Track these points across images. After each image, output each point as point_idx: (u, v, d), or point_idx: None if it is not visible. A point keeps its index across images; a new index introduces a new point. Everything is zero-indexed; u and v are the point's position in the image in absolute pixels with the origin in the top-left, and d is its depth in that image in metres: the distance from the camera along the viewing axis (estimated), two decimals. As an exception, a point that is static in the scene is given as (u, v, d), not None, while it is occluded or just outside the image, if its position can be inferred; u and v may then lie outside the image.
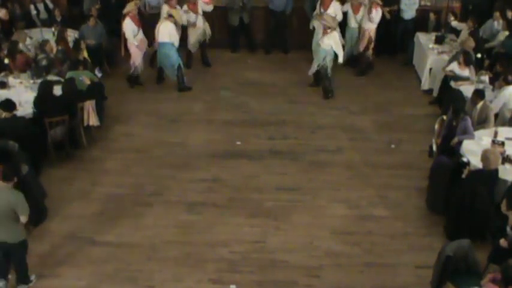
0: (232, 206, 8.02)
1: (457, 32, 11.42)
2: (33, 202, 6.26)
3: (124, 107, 10.49)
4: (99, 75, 10.44)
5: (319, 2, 11.26)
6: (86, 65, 9.71)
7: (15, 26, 11.42)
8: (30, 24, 11.82)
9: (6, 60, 9.78)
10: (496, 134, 7.97)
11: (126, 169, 8.80)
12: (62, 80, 9.32)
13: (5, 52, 9.91)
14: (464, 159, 7.55)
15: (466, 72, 9.53)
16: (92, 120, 9.19)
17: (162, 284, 6.72)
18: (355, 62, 11.88)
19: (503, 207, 6.32)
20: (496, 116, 8.73)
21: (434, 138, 8.66)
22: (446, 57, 10.60)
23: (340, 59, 10.70)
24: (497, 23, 10.99)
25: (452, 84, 9.62)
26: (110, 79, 11.15)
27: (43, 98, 8.55)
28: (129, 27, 10.59)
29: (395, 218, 7.83)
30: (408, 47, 12.04)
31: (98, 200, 8.11)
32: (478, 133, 8.09)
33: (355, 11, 11.38)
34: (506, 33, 10.61)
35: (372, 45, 11.60)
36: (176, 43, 10.76)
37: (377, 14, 11.22)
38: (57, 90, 8.84)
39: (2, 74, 9.62)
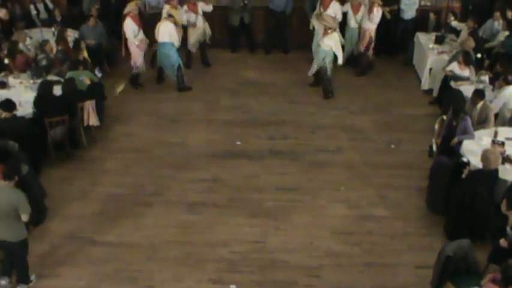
0: (232, 206, 8.02)
1: (457, 32, 11.42)
2: (33, 202, 6.25)
3: (124, 107, 10.50)
4: (99, 75, 10.43)
5: (319, 2, 11.26)
6: (86, 65, 9.71)
7: (15, 26, 11.42)
8: (30, 24, 11.82)
9: (6, 60, 9.78)
10: (496, 134, 7.97)
11: (126, 169, 8.80)
12: (62, 80, 9.32)
13: (5, 52, 9.92)
14: (464, 159, 7.55)
15: (466, 72, 9.53)
16: (92, 120, 9.19)
17: (162, 284, 6.72)
18: (355, 62, 11.89)
19: (503, 207, 6.32)
20: (496, 116, 8.73)
21: (434, 138, 8.66)
22: (446, 57, 10.61)
23: (340, 61, 10.69)
24: (497, 23, 10.99)
25: (452, 84, 9.62)
26: (110, 79, 11.16)
27: (43, 98, 8.55)
28: (130, 27, 10.59)
29: (395, 218, 7.83)
30: (408, 47, 12.04)
31: (98, 200, 8.11)
32: (478, 133, 8.09)
33: (355, 11, 11.38)
34: (506, 33, 10.61)
35: (372, 45, 11.61)
36: (176, 43, 10.77)
37: (377, 14, 11.23)
38: (57, 90, 8.84)
39: (2, 74, 9.62)
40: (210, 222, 7.70)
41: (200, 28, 11.55)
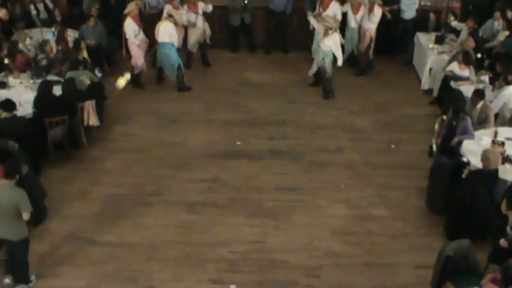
0: (232, 206, 8.02)
1: (457, 32, 11.42)
2: (33, 202, 6.25)
3: (124, 107, 10.50)
4: (99, 75, 10.44)
5: (318, 2, 11.27)
6: (86, 65, 9.71)
7: (15, 26, 11.43)
8: (30, 24, 11.82)
9: (6, 60, 9.78)
10: (496, 134, 7.97)
11: (126, 169, 8.80)
12: (62, 80, 9.32)
13: (5, 52, 9.91)
14: (464, 159, 7.55)
15: (466, 72, 9.53)
16: (92, 120, 9.19)
17: (162, 284, 6.73)
18: (355, 62, 11.89)
19: (503, 207, 6.32)
20: (496, 116, 8.73)
21: (434, 138, 8.66)
22: (446, 57, 10.61)
23: (340, 62, 10.67)
24: (497, 23, 10.99)
25: (452, 84, 9.62)
26: (110, 79, 11.17)
27: (43, 98, 8.55)
28: (131, 28, 10.59)
29: (395, 218, 7.83)
30: (408, 47, 12.04)
31: (97, 200, 8.11)
32: (478, 133, 8.09)
33: (355, 11, 11.37)
34: (506, 33, 10.60)
35: (373, 45, 11.61)
36: (176, 43, 10.77)
37: (377, 13, 11.23)
38: (57, 90, 8.84)
39: (2, 74, 9.62)
40: (210, 222, 7.70)
41: (200, 28, 11.55)
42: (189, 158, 9.06)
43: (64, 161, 8.85)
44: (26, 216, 6.09)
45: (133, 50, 10.79)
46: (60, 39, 10.50)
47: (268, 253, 7.19)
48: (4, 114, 7.95)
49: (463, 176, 7.27)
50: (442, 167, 7.65)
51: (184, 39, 11.50)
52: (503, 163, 7.46)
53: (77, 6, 12.54)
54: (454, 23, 11.51)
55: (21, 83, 9.49)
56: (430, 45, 11.13)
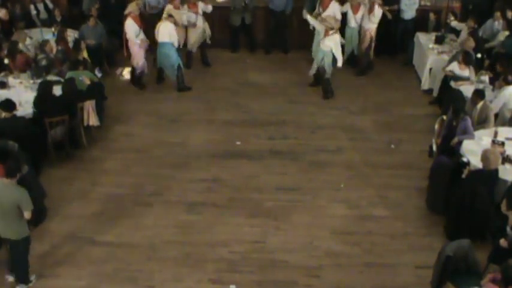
0: (232, 206, 8.02)
1: (457, 32, 11.42)
2: (33, 202, 6.25)
3: (124, 107, 10.49)
4: (99, 75, 10.45)
5: (318, 2, 11.27)
6: (86, 65, 9.71)
7: (15, 26, 11.43)
8: (30, 24, 11.82)
9: (6, 60, 9.79)
10: (496, 134, 7.97)
11: (126, 169, 8.80)
12: (62, 80, 9.32)
13: (5, 52, 9.92)
14: (464, 159, 7.55)
15: (466, 72, 9.53)
16: (92, 120, 9.19)
17: (162, 284, 6.73)
18: (355, 62, 11.88)
19: (503, 207, 6.32)
20: (496, 116, 8.73)
21: (434, 138, 8.66)
22: (446, 57, 10.60)
23: (339, 63, 10.66)
24: (497, 23, 10.99)
25: (452, 84, 9.62)
26: (109, 79, 11.17)
27: (43, 98, 8.56)
28: (131, 28, 10.59)
29: (395, 218, 7.83)
30: (408, 47, 12.04)
31: (97, 200, 8.11)
32: (478, 133, 8.09)
33: (355, 11, 11.37)
34: (506, 33, 10.61)
35: (373, 45, 11.61)
36: (176, 43, 10.77)
37: (378, 13, 11.22)
38: (57, 90, 8.84)
39: (2, 74, 9.62)
40: (210, 222, 7.70)
41: (200, 28, 11.55)
42: (189, 158, 9.06)
43: (64, 161, 8.85)
44: (27, 215, 6.11)
45: (134, 50, 10.79)
46: (60, 39, 10.50)
47: (268, 253, 7.20)
48: (4, 114, 7.96)
49: (463, 176, 7.27)
50: (442, 167, 7.65)
51: (184, 39, 11.50)
52: (503, 163, 7.46)
53: (77, 6, 12.55)
54: (454, 23, 11.51)
55: (21, 83, 9.49)
56: (430, 45, 11.13)
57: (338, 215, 7.88)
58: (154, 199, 8.14)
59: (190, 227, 7.63)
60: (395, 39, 12.29)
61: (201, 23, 11.51)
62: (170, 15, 10.68)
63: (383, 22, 11.55)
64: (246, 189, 8.36)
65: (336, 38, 10.50)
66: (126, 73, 11.48)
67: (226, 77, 11.69)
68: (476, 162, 7.33)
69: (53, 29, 11.27)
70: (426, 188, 8.04)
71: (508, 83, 8.71)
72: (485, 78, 9.61)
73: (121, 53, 11.36)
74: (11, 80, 9.51)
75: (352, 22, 11.48)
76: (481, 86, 9.19)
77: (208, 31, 11.73)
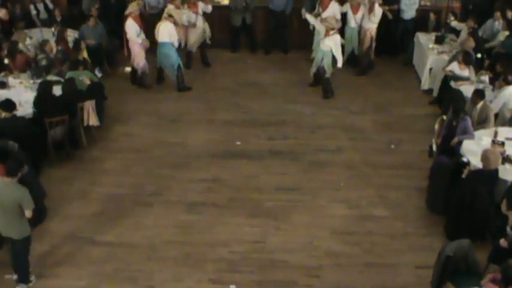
0: (232, 206, 8.02)
1: (457, 32, 11.42)
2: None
3: (124, 107, 10.50)
4: (99, 75, 10.44)
5: (318, 2, 11.27)
6: (86, 65, 9.71)
7: (15, 26, 11.42)
8: (30, 24, 11.83)
9: (6, 60, 9.79)
10: (496, 134, 7.97)
11: (126, 169, 8.80)
12: (62, 80, 9.32)
13: (5, 52, 9.92)
14: (464, 159, 7.55)
15: (466, 72, 9.53)
16: (92, 120, 9.19)
17: (162, 284, 6.72)
18: (355, 61, 11.89)
19: (503, 207, 6.32)
20: (496, 116, 8.73)
21: (434, 138, 8.66)
22: (446, 57, 10.61)
23: (339, 64, 10.65)
24: (497, 23, 11.00)
25: (452, 84, 9.62)
26: (110, 79, 11.16)
27: (43, 98, 8.55)
28: (132, 28, 10.59)
29: (395, 218, 7.83)
30: (408, 47, 12.04)
31: (97, 200, 8.11)
32: (478, 133, 8.09)
33: (355, 11, 11.38)
34: (506, 33, 10.61)
35: (373, 45, 11.61)
36: (176, 43, 10.77)
37: (378, 13, 11.22)
38: (57, 90, 8.84)
39: (2, 74, 9.62)
40: (210, 222, 7.70)
41: (200, 28, 11.56)
42: (189, 158, 9.06)
43: (64, 161, 8.85)
44: (28, 213, 6.12)
45: (135, 50, 10.79)
46: (60, 39, 10.51)
47: (268, 253, 7.19)
48: (4, 114, 7.95)
49: (463, 176, 7.27)
50: (442, 167, 7.65)
51: (185, 39, 11.52)
52: (503, 163, 7.46)
53: (77, 6, 12.55)
54: (454, 23, 11.51)
55: (21, 83, 9.49)
56: (430, 45, 11.13)
57: (338, 215, 7.88)
58: (154, 199, 8.14)
59: (190, 227, 7.63)
60: (395, 39, 12.29)
61: (201, 23, 11.52)
62: (170, 15, 10.68)
63: (383, 22, 11.56)
64: (246, 189, 8.36)
65: (336, 38, 10.50)
66: (128, 68, 11.46)
67: (226, 77, 11.70)
68: (476, 162, 7.33)
69: (53, 29, 11.28)
70: (426, 188, 8.04)
71: (508, 83, 8.71)
72: (485, 78, 9.61)
73: (121, 53, 11.38)
74: (11, 80, 9.51)
75: (352, 22, 11.49)
76: (481, 86, 9.19)
77: (208, 31, 11.73)
